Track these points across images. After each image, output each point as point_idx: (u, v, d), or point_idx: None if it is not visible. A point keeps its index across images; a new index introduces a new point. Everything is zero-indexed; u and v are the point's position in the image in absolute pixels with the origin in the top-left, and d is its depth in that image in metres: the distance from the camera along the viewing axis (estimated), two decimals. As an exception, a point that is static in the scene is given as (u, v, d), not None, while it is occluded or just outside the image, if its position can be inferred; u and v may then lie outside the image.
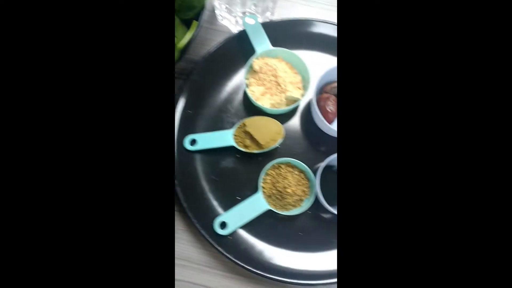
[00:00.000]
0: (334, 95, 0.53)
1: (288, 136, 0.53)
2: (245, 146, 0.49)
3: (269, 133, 0.48)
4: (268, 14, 0.58)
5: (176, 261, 0.48)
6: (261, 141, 0.48)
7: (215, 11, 0.59)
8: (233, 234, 0.47)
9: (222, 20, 0.59)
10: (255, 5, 0.55)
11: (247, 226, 0.48)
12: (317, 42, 0.57)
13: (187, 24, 0.51)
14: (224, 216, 0.47)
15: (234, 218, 0.47)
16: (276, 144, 0.49)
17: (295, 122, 0.54)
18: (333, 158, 0.49)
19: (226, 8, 0.55)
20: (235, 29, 0.59)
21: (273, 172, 0.49)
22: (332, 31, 0.57)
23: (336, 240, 0.48)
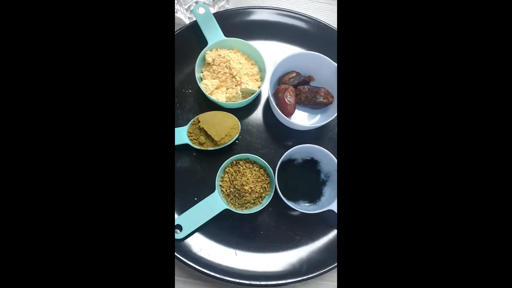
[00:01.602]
0: (292, 85, 0.51)
1: (248, 130, 0.50)
2: (200, 144, 0.47)
3: (224, 129, 0.46)
4: (222, 3, 0.55)
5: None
6: (216, 137, 0.45)
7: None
8: (189, 237, 0.45)
9: (176, 12, 0.56)
10: (206, -6, 0.52)
11: (205, 228, 0.45)
12: (274, 31, 0.54)
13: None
14: (179, 219, 0.44)
15: (190, 220, 0.44)
16: (232, 139, 0.47)
17: (255, 115, 0.52)
18: (293, 152, 0.47)
19: (176, -2, 0.51)
20: (188, 21, 0.56)
21: (231, 170, 0.47)
22: (288, 19, 0.54)
23: (298, 237, 0.46)
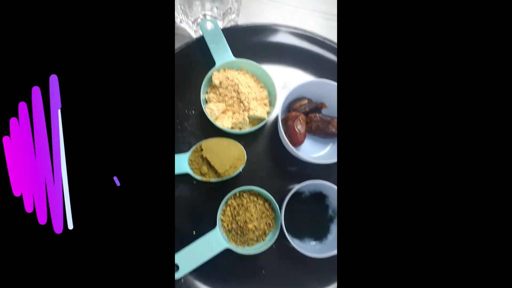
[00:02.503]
0: (303, 113, 0.47)
1: (252, 158, 0.47)
2: (202, 174, 0.43)
3: (228, 159, 0.42)
4: (232, 16, 0.51)
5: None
6: (220, 169, 0.42)
7: (172, 12, 0.51)
8: (186, 277, 0.42)
9: (180, 22, 0.52)
10: (216, 7, 0.48)
11: (203, 266, 0.42)
12: (287, 53, 0.50)
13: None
14: (176, 257, 0.41)
15: (188, 259, 0.41)
16: (236, 171, 0.43)
17: (260, 142, 0.48)
18: (302, 185, 0.44)
19: (182, 9, 0.47)
20: (194, 34, 0.52)
21: (234, 202, 0.43)
22: (303, 41, 0.51)
23: (302, 279, 0.43)
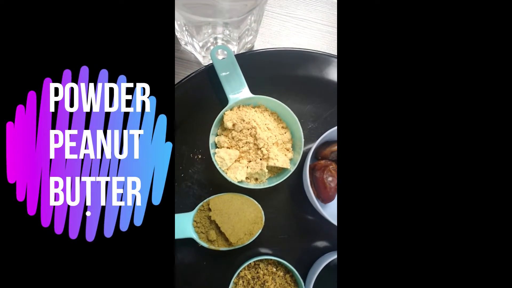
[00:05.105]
0: (334, 161, 0.39)
1: (270, 215, 0.38)
2: (209, 241, 0.35)
3: (243, 225, 0.34)
4: (249, 39, 0.43)
5: None
6: (231, 238, 0.34)
7: (175, 33, 0.43)
8: None
9: (185, 45, 0.44)
10: (229, 30, 0.39)
11: None
12: (316, 85, 0.41)
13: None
14: None
15: None
16: (252, 238, 0.35)
17: (280, 194, 0.40)
18: (329, 256, 0.36)
19: (186, 30, 0.39)
20: (203, 60, 0.44)
21: (248, 274, 0.35)
22: (335, 69, 0.42)
23: None
